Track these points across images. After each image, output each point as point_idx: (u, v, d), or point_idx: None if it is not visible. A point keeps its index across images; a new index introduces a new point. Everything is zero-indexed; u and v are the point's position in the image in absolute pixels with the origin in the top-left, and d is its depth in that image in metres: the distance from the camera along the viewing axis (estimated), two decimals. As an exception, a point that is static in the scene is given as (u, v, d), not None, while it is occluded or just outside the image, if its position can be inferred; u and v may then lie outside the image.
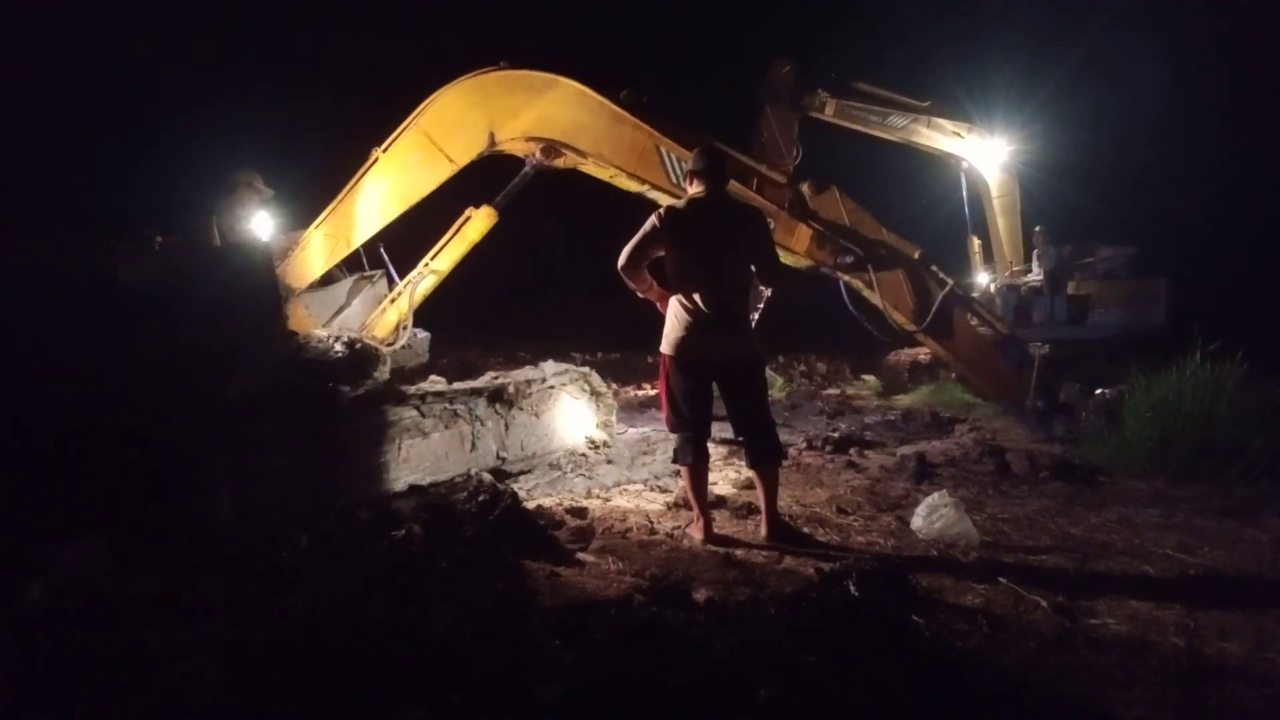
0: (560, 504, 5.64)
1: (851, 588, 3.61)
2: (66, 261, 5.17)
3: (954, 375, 12.13)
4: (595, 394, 7.98)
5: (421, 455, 6.12)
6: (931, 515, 5.06)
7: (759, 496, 5.03)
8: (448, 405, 6.39)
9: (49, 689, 2.81)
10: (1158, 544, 4.85)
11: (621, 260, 4.93)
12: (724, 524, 5.23)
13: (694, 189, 5.02)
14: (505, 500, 4.93)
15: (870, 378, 13.06)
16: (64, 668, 2.93)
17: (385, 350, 6.46)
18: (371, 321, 7.05)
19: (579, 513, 5.35)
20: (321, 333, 6.35)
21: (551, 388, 7.52)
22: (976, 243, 13.04)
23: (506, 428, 6.92)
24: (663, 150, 7.16)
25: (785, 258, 7.51)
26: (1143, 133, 21.26)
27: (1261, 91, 21.96)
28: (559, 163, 7.25)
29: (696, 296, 4.82)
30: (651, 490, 6.12)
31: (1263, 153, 20.60)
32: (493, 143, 6.89)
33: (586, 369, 8.13)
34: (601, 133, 7.09)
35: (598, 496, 5.98)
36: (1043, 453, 7.15)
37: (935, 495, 5.25)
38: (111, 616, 3.32)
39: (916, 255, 7.75)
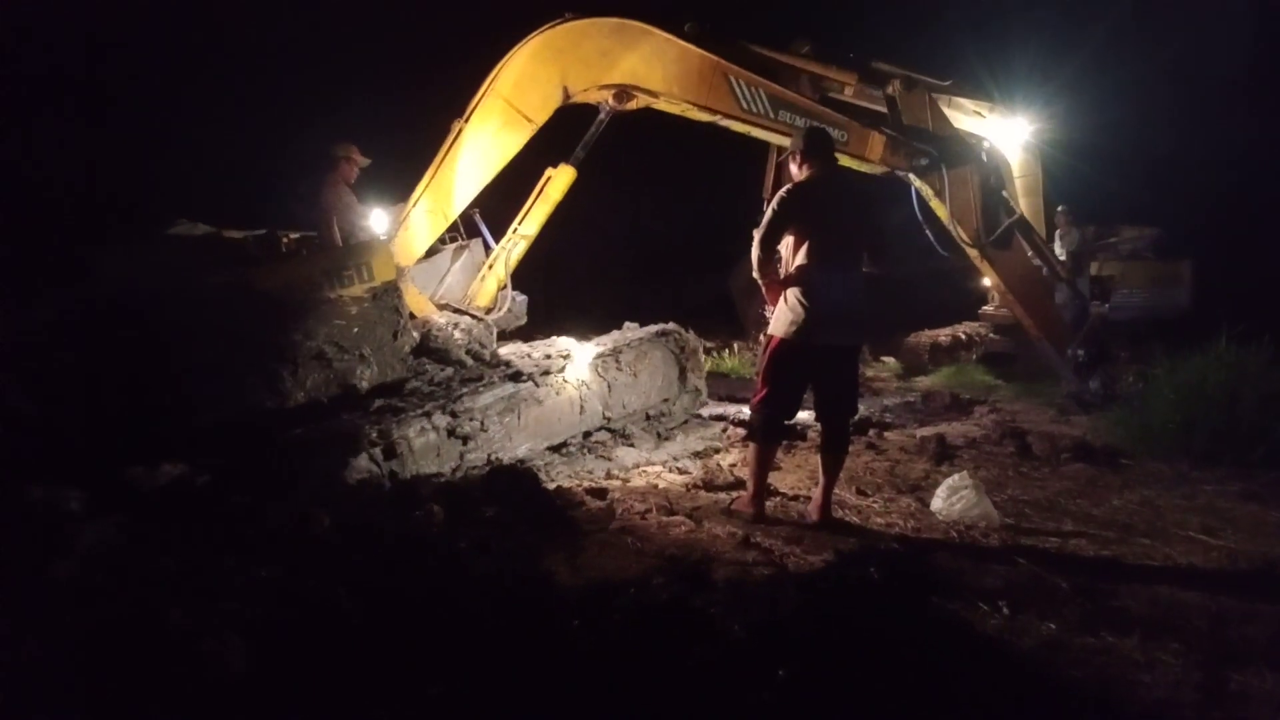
0: (580, 485, 5.65)
1: (871, 569, 3.62)
2: (202, 264, 5.56)
3: (975, 357, 12.07)
4: (688, 351, 8.12)
5: (538, 421, 6.60)
6: (952, 497, 5.05)
7: (820, 479, 4.94)
8: (558, 373, 6.86)
9: (77, 664, 2.85)
10: (1180, 527, 4.83)
11: (758, 244, 4.77)
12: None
13: (805, 172, 4.89)
14: (525, 482, 4.96)
15: (890, 359, 12.98)
16: (91, 644, 2.97)
17: (492, 321, 7.07)
18: (474, 291, 7.39)
19: (598, 493, 5.36)
20: (440, 319, 6.77)
21: (646, 348, 7.76)
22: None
23: (610, 389, 7.28)
24: (731, 78, 7.33)
25: (857, 165, 7.89)
26: (1168, 111, 20.98)
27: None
28: (631, 105, 7.41)
29: (823, 277, 4.68)
30: (671, 472, 6.13)
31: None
32: (567, 96, 7.03)
33: (677, 327, 8.26)
34: (670, 70, 7.24)
35: (617, 477, 5.99)
36: (1064, 435, 7.11)
37: (955, 477, 5.23)
38: (137, 594, 3.36)
39: (992, 181, 8.00)
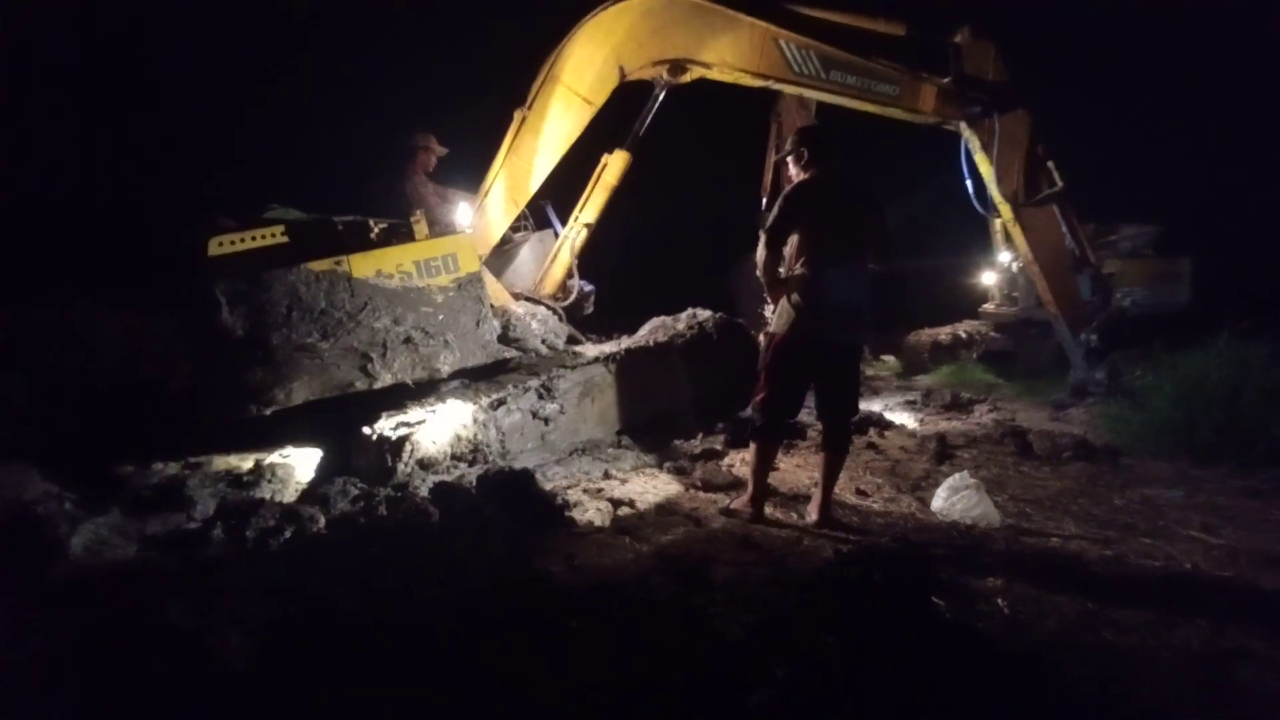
0: (578, 485, 5.64)
1: (871, 569, 3.59)
2: (298, 248, 5.78)
3: (975, 356, 12.05)
4: (740, 339, 8.15)
5: (609, 405, 6.93)
6: (952, 496, 5.03)
7: (820, 479, 4.94)
8: (626, 360, 7.09)
9: (77, 663, 2.85)
10: (1181, 525, 4.82)
11: (765, 244, 4.76)
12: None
13: (807, 171, 4.88)
14: (522, 482, 4.94)
15: (890, 358, 12.98)
16: (94, 639, 2.97)
17: (562, 310, 7.52)
18: (541, 280, 7.69)
19: (596, 494, 5.35)
20: (518, 309, 7.12)
21: (704, 334, 7.87)
22: (999, 222, 12.89)
23: (672, 379, 7.50)
24: (781, 43, 7.49)
25: (909, 117, 8.23)
26: (1169, 108, 20.97)
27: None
28: (685, 78, 7.57)
29: (827, 275, 4.67)
30: (668, 473, 6.11)
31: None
32: (623, 75, 7.23)
33: (726, 316, 8.34)
34: (721, 40, 7.40)
35: (615, 478, 5.97)
36: (1064, 433, 7.09)
37: (956, 476, 5.22)
38: (138, 591, 3.36)
39: (1041, 150, 8.24)
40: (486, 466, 5.57)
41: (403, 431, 5.38)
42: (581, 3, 7.21)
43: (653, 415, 7.30)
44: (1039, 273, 8.81)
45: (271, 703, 2.64)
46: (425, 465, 5.41)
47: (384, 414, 5.54)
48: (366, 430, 5.41)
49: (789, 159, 5.08)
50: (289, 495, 5.16)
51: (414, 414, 5.56)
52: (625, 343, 7.54)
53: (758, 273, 4.90)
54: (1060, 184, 8.30)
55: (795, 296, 4.73)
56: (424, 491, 4.93)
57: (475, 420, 5.78)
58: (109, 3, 15.21)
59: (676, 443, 6.85)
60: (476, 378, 6.26)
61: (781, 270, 4.88)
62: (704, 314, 8.13)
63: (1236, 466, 5.90)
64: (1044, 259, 8.66)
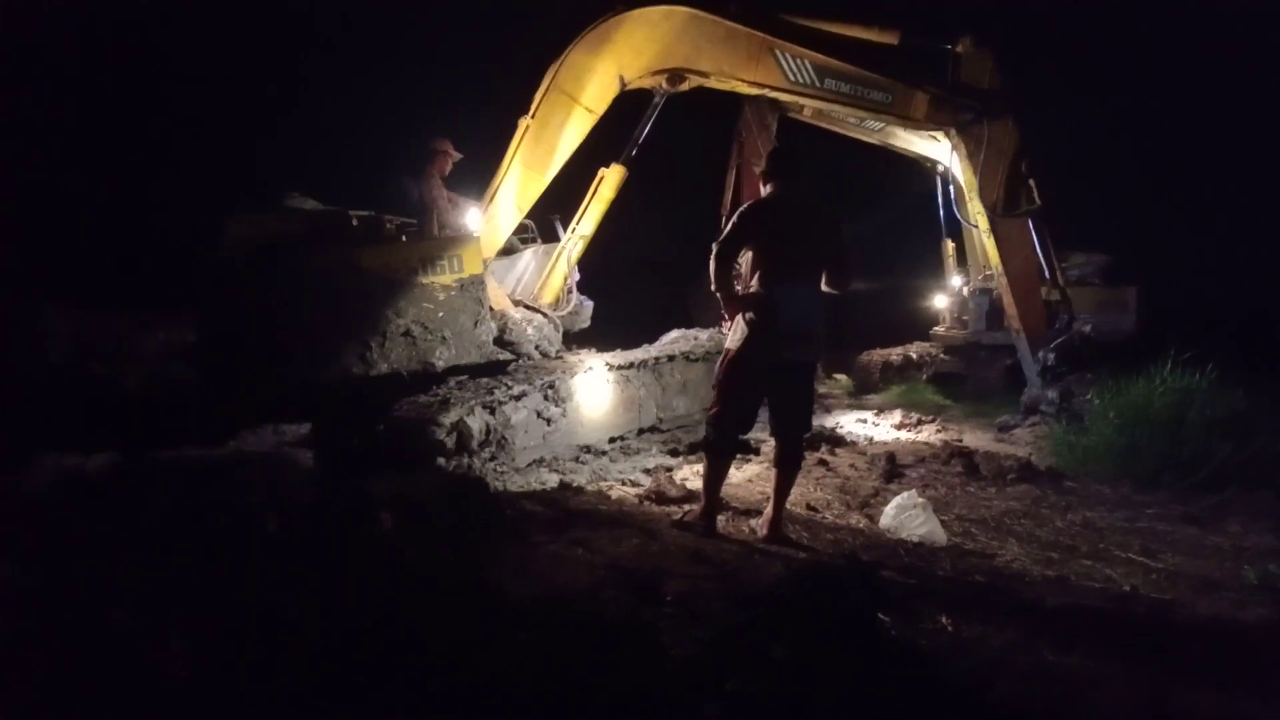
0: (534, 495, 5.62)
1: (820, 585, 3.63)
2: (313, 237, 6.20)
3: (925, 377, 12.20)
4: None
5: (607, 413, 7.26)
6: (900, 514, 5.10)
7: (772, 494, 4.95)
8: (621, 372, 7.41)
9: (21, 665, 2.78)
10: (1121, 548, 4.92)
11: (714, 257, 4.76)
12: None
13: (770, 189, 4.94)
14: (477, 491, 4.92)
15: (842, 376, 13.09)
16: (35, 645, 2.90)
17: (558, 319, 7.73)
18: (540, 290, 7.89)
19: (551, 504, 5.33)
20: (516, 314, 7.31)
21: (693, 356, 8.20)
22: (951, 246, 13.08)
23: (663, 391, 7.92)
24: (777, 52, 7.66)
25: (901, 125, 8.74)
26: (1117, 139, 21.48)
27: (1233, 98, 22.25)
28: (684, 86, 7.79)
29: (781, 294, 4.69)
30: (625, 485, 6.11)
31: (1239, 159, 20.92)
32: (623, 84, 7.45)
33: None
34: (718, 50, 7.59)
35: (571, 489, 5.96)
36: (1009, 455, 7.21)
37: (904, 495, 5.28)
38: (81, 596, 3.28)
39: (1024, 166, 8.44)
40: (491, 460, 5.93)
41: (463, 414, 5.74)
42: (583, 14, 7.41)
43: (641, 426, 7.59)
44: (1007, 286, 8.93)
45: (213, 712, 2.60)
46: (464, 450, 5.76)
47: (421, 397, 5.90)
48: (406, 413, 5.70)
49: (761, 179, 5.15)
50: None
51: (456, 400, 5.90)
52: (652, 350, 7.97)
53: (712, 287, 4.94)
54: (1038, 202, 8.47)
55: (750, 314, 4.76)
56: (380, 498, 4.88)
57: (495, 411, 6.07)
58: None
59: (655, 451, 7.06)
60: (471, 375, 6.51)
61: (739, 287, 4.92)
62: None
63: (1177, 492, 6.04)
64: (1013, 273, 8.79)
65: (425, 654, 2.89)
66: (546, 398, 6.54)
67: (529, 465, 6.37)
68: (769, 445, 6.23)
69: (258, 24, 17.76)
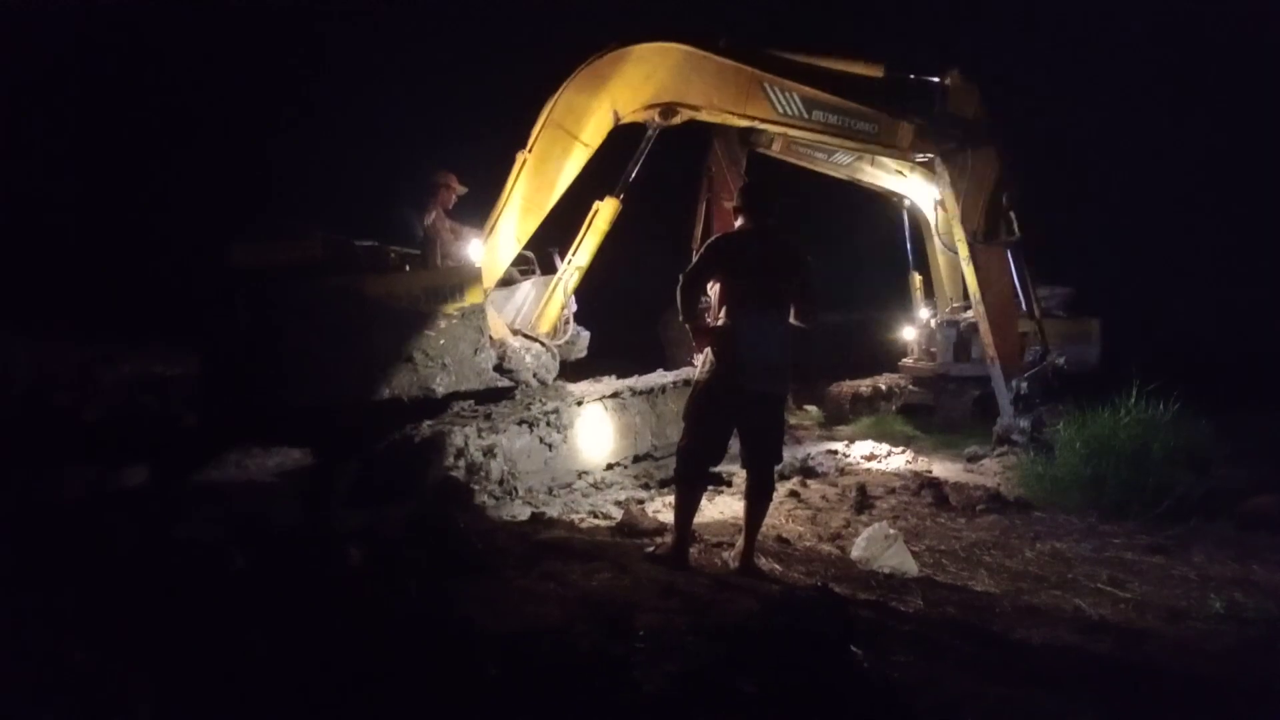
0: (504, 529, 5.58)
1: (791, 617, 3.62)
2: (319, 264, 6.37)
3: (894, 408, 12.28)
4: None
5: (607, 439, 7.62)
6: (871, 546, 5.11)
7: (743, 526, 4.93)
8: (619, 400, 7.73)
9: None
10: (1090, 578, 4.95)
11: (682, 285, 4.80)
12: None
13: (741, 223, 5.02)
14: (446, 525, 4.87)
15: (813, 408, 13.15)
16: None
17: (555, 349, 7.87)
18: (536, 320, 8.00)
19: (522, 538, 5.30)
20: (515, 343, 7.50)
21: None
22: (918, 279, 13.22)
23: (657, 420, 8.18)
24: (766, 85, 7.83)
25: (885, 154, 9.10)
26: (1081, 168, 21.83)
27: (1196, 127, 22.69)
28: (676, 120, 7.96)
29: (748, 326, 4.72)
30: (595, 518, 6.09)
31: (1206, 189, 21.35)
32: (617, 118, 7.60)
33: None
34: (709, 84, 7.76)
35: (543, 521, 5.93)
36: (978, 485, 7.26)
37: (875, 526, 5.31)
38: (38, 634, 3.21)
39: (1005, 199, 8.62)
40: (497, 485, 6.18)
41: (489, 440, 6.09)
42: (577, 49, 7.58)
43: (637, 454, 7.87)
44: (983, 315, 9.00)
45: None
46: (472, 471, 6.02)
47: (426, 423, 6.15)
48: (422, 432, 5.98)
49: (733, 213, 5.21)
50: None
51: (469, 425, 6.21)
52: (650, 380, 8.34)
53: (680, 319, 4.98)
54: (1018, 234, 8.61)
55: (718, 346, 4.79)
56: (348, 533, 4.84)
57: (504, 436, 6.34)
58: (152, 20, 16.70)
59: (628, 484, 7.20)
60: (472, 401, 6.69)
61: (708, 319, 4.95)
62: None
63: (1143, 523, 6.11)
64: (990, 302, 8.86)
65: (391, 690, 2.85)
66: (549, 423, 6.77)
67: (526, 491, 6.57)
68: (740, 477, 6.24)
69: (259, 58, 18.19)
